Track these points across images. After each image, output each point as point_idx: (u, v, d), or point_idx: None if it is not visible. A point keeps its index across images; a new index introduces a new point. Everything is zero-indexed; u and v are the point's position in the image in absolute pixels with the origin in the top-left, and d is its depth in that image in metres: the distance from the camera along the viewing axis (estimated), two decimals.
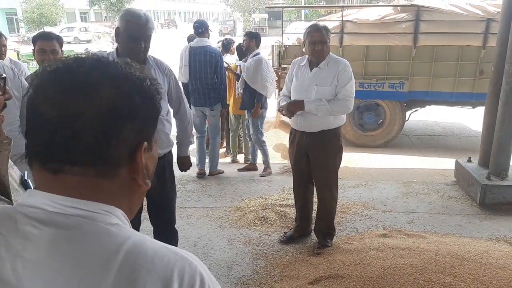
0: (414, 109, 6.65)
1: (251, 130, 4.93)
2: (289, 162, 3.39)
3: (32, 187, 0.83)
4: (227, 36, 8.42)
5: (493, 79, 4.08)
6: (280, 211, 3.75)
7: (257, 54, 4.77)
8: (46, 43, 2.79)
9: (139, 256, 0.57)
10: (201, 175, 4.83)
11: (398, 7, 6.19)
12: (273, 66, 6.44)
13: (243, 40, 4.91)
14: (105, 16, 39.81)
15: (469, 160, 4.39)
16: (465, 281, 2.44)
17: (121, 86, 0.61)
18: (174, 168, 2.63)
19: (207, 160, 4.95)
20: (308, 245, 3.22)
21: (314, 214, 3.31)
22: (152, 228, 2.65)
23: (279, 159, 5.85)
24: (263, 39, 5.25)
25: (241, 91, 4.90)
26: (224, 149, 6.09)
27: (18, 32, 33.82)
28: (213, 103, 4.68)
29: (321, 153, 3.03)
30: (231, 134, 5.67)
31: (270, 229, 3.48)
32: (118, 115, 0.60)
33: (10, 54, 6.03)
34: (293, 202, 3.43)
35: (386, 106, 6.32)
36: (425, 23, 5.89)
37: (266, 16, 34.56)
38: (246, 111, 4.97)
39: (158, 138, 0.70)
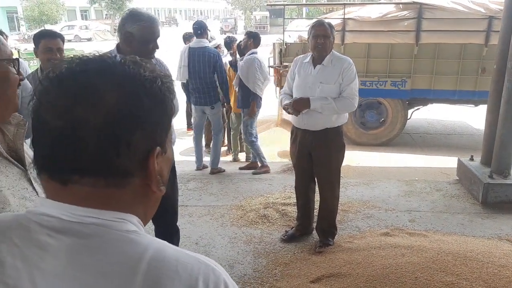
0: (416, 107, 6.62)
1: (242, 129, 4.95)
2: (291, 160, 3.38)
3: None
4: (229, 35, 8.42)
5: (495, 77, 4.07)
6: (282, 210, 3.74)
7: (253, 53, 4.78)
8: (52, 41, 2.75)
9: (163, 265, 0.55)
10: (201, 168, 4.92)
11: (400, 5, 6.15)
12: (274, 64, 6.44)
13: (243, 39, 4.98)
14: (106, 14, 39.84)
15: (471, 159, 4.38)
16: (467, 279, 2.43)
17: (128, 90, 0.57)
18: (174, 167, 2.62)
19: (205, 158, 4.96)
20: (310, 243, 3.22)
21: (315, 213, 3.31)
22: (153, 226, 2.64)
23: (280, 158, 5.84)
24: (264, 37, 5.26)
25: (237, 89, 4.93)
26: (226, 148, 6.09)
27: (19, 30, 33.87)
28: (214, 101, 4.74)
29: (324, 152, 3.02)
30: (232, 133, 5.66)
31: (271, 228, 3.48)
32: (126, 122, 0.56)
33: None
34: (295, 200, 3.43)
35: (388, 104, 6.30)
36: (427, 21, 5.86)
37: (267, 14, 34.58)
38: (242, 109, 4.97)
39: (171, 138, 0.66)
